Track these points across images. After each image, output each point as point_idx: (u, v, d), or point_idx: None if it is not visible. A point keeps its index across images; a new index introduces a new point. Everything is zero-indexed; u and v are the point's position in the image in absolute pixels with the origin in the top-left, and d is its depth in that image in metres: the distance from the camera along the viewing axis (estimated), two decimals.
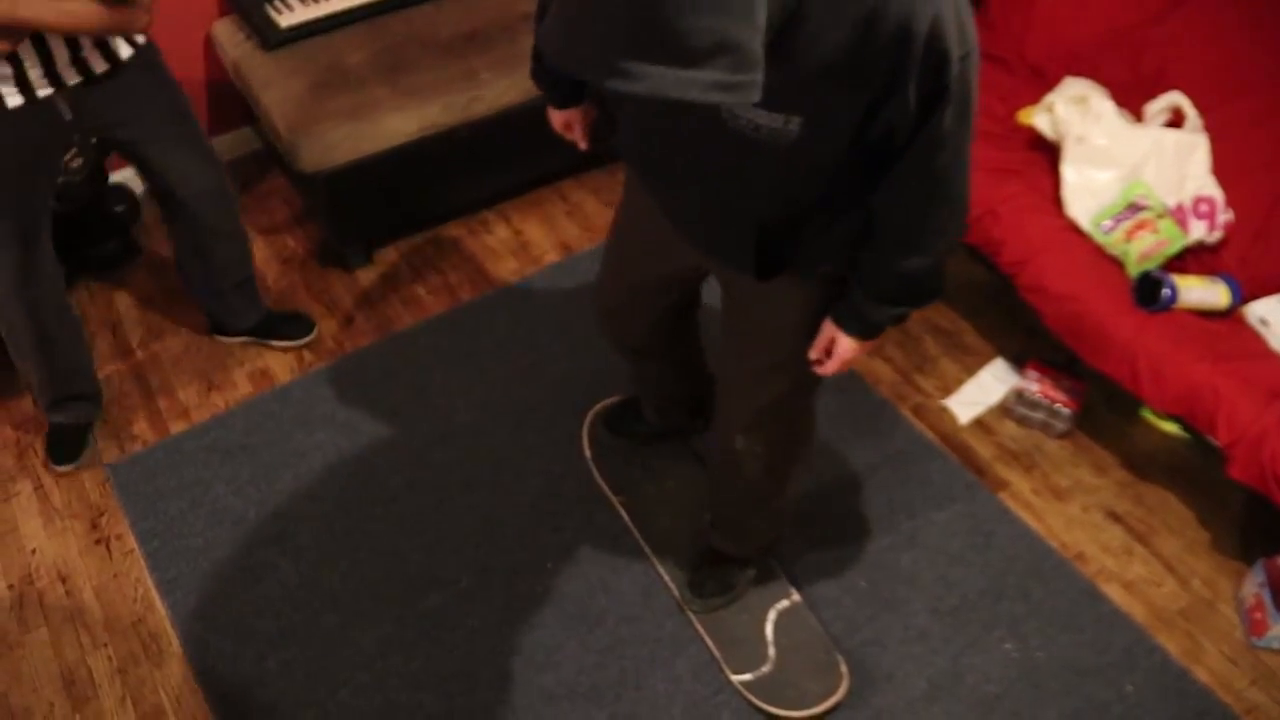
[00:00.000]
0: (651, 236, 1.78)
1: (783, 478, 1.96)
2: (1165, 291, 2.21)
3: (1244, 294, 2.25)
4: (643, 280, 1.92)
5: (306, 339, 2.76)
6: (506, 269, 2.96)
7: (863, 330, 1.58)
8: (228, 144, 3.33)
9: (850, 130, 1.31)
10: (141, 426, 2.59)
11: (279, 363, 2.73)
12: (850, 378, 2.63)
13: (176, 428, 2.59)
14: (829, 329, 1.62)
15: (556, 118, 1.92)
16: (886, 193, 1.40)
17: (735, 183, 1.48)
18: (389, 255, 3.02)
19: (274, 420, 2.59)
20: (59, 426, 2.53)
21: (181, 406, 2.64)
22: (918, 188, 1.38)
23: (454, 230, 3.09)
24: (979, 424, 2.56)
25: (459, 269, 2.97)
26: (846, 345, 1.60)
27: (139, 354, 2.76)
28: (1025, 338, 2.69)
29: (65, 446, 2.52)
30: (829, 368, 1.65)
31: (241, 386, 2.68)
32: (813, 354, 1.66)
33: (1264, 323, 2.19)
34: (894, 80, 1.23)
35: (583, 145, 1.95)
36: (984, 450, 2.50)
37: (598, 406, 2.55)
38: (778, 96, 1.24)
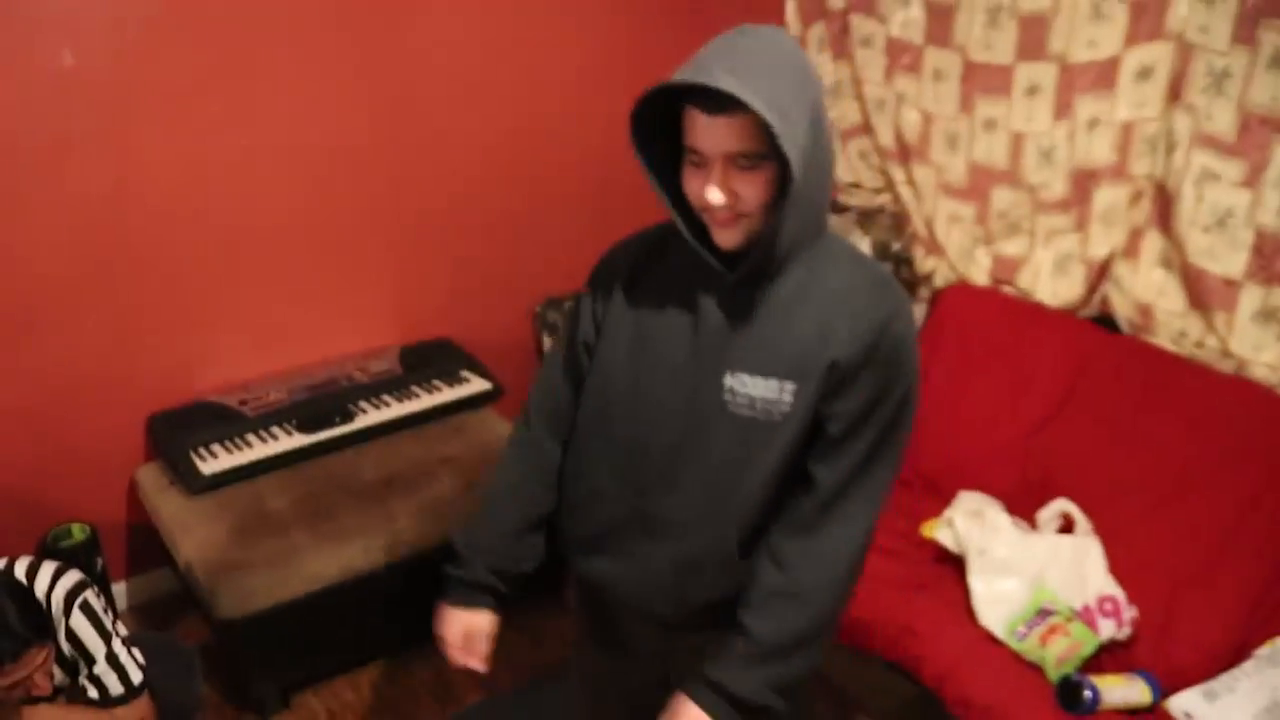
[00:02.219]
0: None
1: None
2: (1087, 694, 2.19)
3: (1163, 687, 2.24)
4: None
5: None
6: (427, 711, 2.86)
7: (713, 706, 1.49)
8: (145, 585, 3.32)
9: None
10: None
11: None
12: None
13: None
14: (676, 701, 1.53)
15: (457, 624, 1.79)
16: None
17: (734, 473, 1.51)
18: (307, 700, 2.92)
19: None
20: None
21: None
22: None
23: (374, 672, 3.01)
24: None
25: (379, 713, 2.86)
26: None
27: None
28: None
29: None
30: None
31: None
32: None
33: (1188, 717, 2.16)
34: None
35: (482, 667, 1.83)
36: None
37: None
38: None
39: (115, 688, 2.16)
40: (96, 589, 2.20)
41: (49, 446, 3.01)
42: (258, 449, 2.98)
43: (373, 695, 2.94)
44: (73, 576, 2.17)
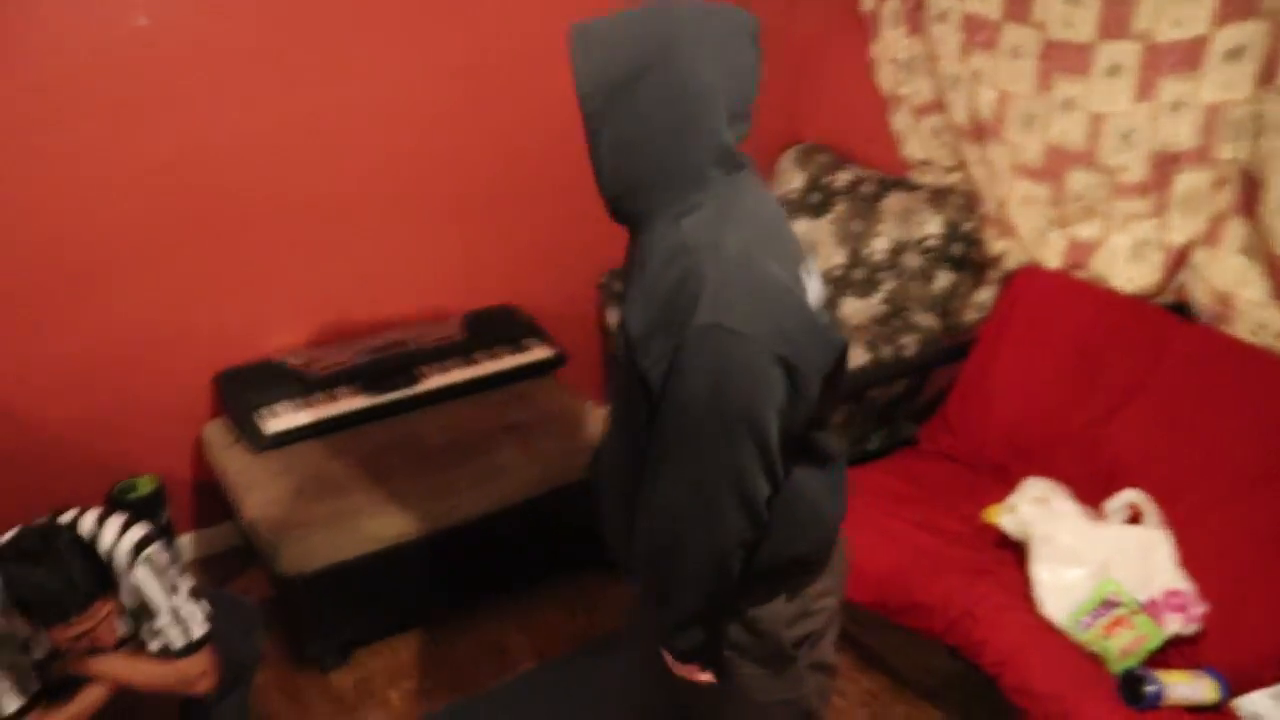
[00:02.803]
0: None
1: None
2: (1151, 689, 2.15)
3: (1231, 686, 2.20)
4: None
5: None
6: (484, 673, 2.89)
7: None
8: (208, 538, 3.39)
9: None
10: None
11: None
12: None
13: None
14: None
15: None
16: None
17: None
18: (364, 658, 2.96)
19: None
20: None
21: None
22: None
23: (429, 635, 3.04)
24: None
25: (432, 674, 2.90)
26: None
27: None
28: None
29: None
30: None
31: None
32: None
33: (1258, 719, 2.12)
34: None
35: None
36: None
37: None
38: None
39: (177, 641, 2.20)
40: (163, 542, 2.23)
41: (120, 399, 3.07)
42: (322, 410, 3.02)
43: (429, 656, 2.97)
44: (140, 529, 2.20)
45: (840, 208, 3.54)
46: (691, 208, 1.43)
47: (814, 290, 1.53)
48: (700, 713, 1.77)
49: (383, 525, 2.74)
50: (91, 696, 2.19)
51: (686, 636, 1.57)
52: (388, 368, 3.15)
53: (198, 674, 2.25)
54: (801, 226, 3.62)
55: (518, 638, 3.03)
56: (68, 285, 2.88)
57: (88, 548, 2.03)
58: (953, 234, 3.29)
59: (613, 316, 3.58)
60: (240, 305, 3.16)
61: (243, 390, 3.08)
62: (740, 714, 1.71)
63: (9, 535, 2.02)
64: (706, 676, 1.63)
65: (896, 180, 3.53)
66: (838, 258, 3.51)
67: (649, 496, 1.47)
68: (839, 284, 3.51)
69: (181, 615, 2.21)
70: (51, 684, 2.21)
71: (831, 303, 3.49)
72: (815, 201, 3.61)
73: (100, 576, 2.00)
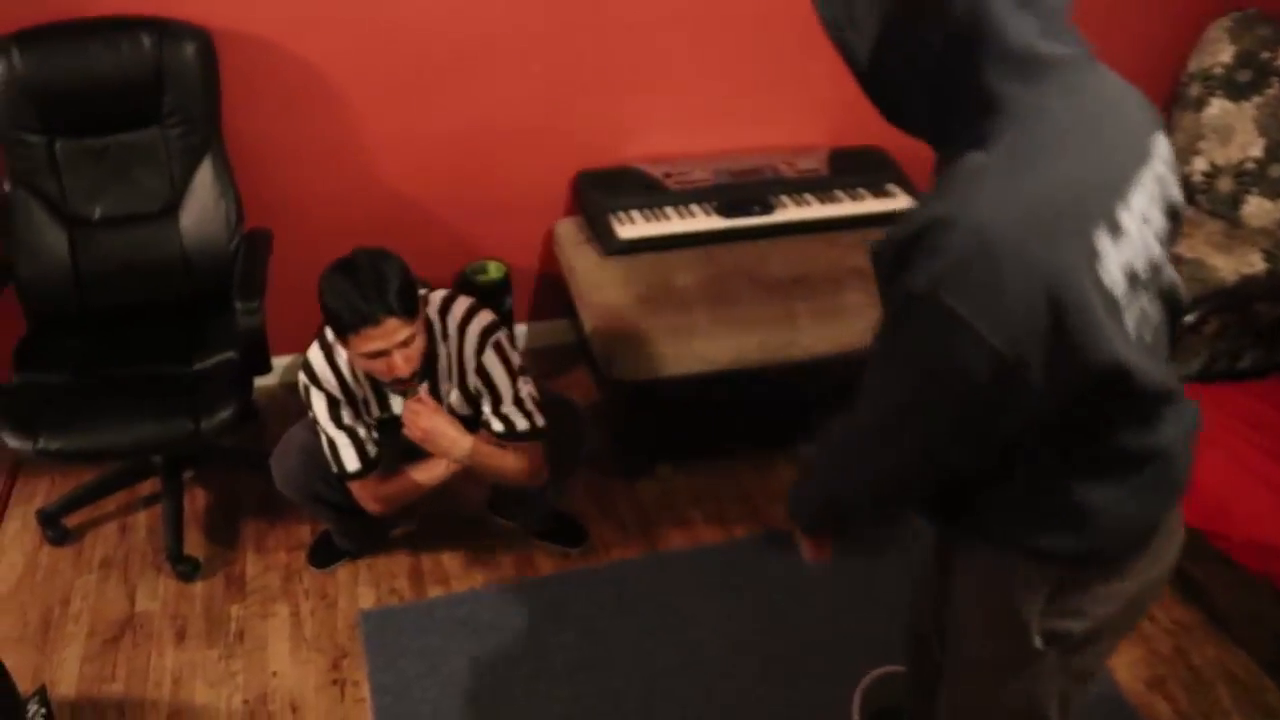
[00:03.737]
0: None
1: None
2: None
3: None
4: None
5: (574, 550, 2.75)
6: (778, 515, 2.87)
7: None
8: (542, 331, 3.51)
9: None
10: (401, 582, 2.61)
11: (544, 554, 2.72)
12: (1123, 713, 2.33)
13: (434, 592, 2.59)
14: None
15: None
16: None
17: None
18: (671, 474, 3.00)
19: (527, 609, 2.55)
20: (328, 538, 2.67)
21: (443, 572, 2.65)
22: None
23: (739, 463, 3.04)
24: None
25: (737, 503, 2.90)
26: None
27: (419, 514, 2.82)
28: None
29: (323, 554, 2.68)
30: None
31: (504, 568, 2.67)
32: None
33: None
34: None
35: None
36: None
37: (870, 677, 2.32)
38: None
39: (521, 424, 2.26)
40: (507, 331, 2.28)
41: (483, 185, 3.17)
42: (675, 223, 3.00)
43: (733, 484, 2.97)
44: (487, 315, 2.26)
45: (1273, 91, 3.11)
46: (976, 140, 1.12)
47: (1125, 253, 1.15)
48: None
49: (718, 348, 2.72)
50: (429, 473, 2.31)
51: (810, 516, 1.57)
52: (746, 192, 3.08)
53: (538, 463, 2.32)
54: (1213, 110, 3.22)
55: None
56: (455, 71, 2.96)
57: (410, 278, 2.03)
58: None
59: None
60: (608, 109, 3.15)
61: (600, 192, 3.10)
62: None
63: None
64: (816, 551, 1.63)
65: None
66: (1254, 149, 3.11)
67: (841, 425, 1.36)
68: (1248, 179, 3.11)
69: (525, 401, 2.28)
70: (395, 451, 2.35)
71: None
72: (1243, 81, 3.18)
73: (406, 300, 2.00)
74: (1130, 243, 1.15)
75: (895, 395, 1.21)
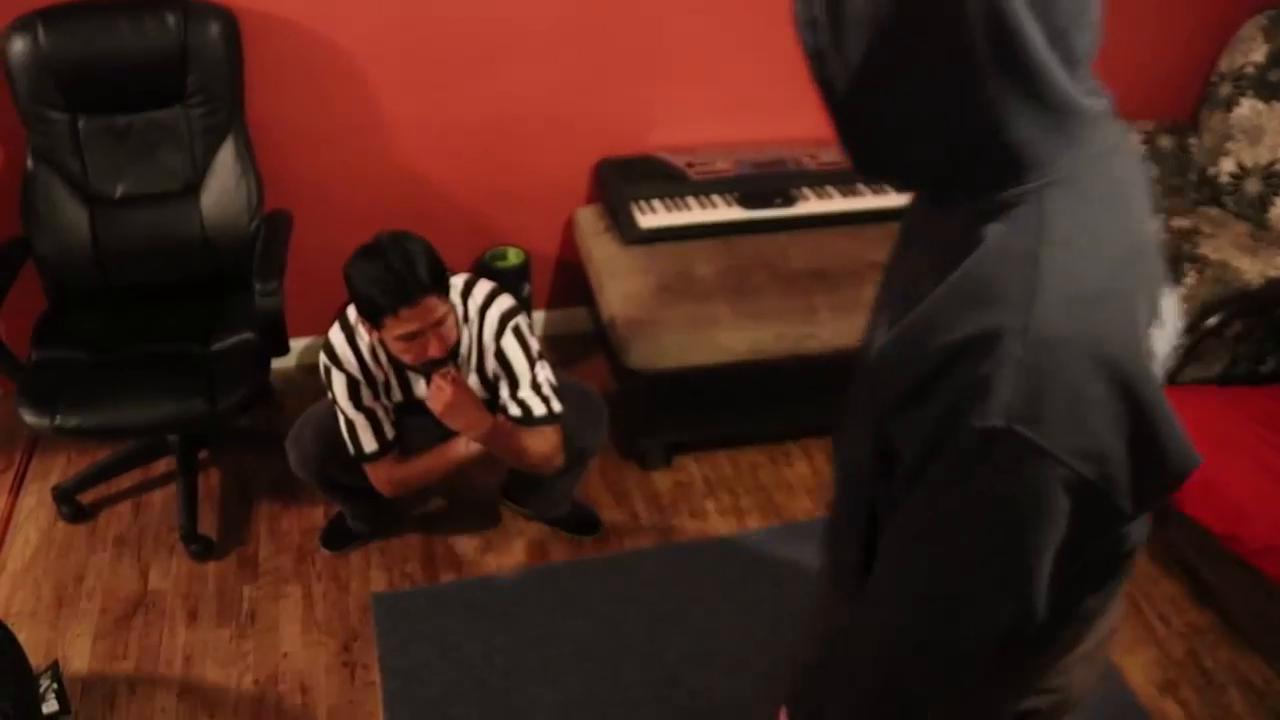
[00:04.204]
0: None
1: None
2: None
3: None
4: None
5: (588, 538, 2.74)
6: (800, 506, 2.85)
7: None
8: (560, 319, 3.50)
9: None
10: (414, 566, 2.61)
11: (558, 541, 2.71)
12: (1135, 717, 2.31)
13: (446, 576, 2.59)
14: None
15: None
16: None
17: None
18: (687, 464, 2.99)
19: (539, 596, 2.54)
20: (341, 520, 2.66)
21: (456, 557, 2.65)
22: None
23: (755, 455, 3.03)
24: None
25: (752, 495, 2.89)
26: None
27: (435, 499, 2.82)
28: None
29: (336, 537, 2.68)
30: None
31: (516, 554, 2.67)
32: None
33: None
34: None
35: None
36: None
37: None
38: None
39: (539, 408, 2.25)
40: (526, 316, 2.28)
41: (505, 172, 3.16)
42: (696, 213, 2.99)
43: (750, 475, 2.96)
44: (507, 300, 2.26)
45: None
46: (995, 205, 0.92)
47: (1160, 345, 1.00)
48: None
49: (737, 338, 2.71)
50: (447, 455, 2.31)
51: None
52: (768, 184, 3.07)
53: (554, 448, 2.32)
54: (1243, 110, 3.18)
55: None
56: (479, 56, 2.95)
57: (436, 256, 2.03)
58: None
59: None
60: (630, 97, 3.14)
61: (621, 180, 3.09)
62: None
63: None
64: None
65: None
66: None
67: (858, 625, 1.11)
68: (1277, 181, 3.08)
69: (542, 387, 2.27)
70: (412, 433, 2.35)
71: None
72: (1275, 80, 3.13)
73: (438, 276, 2.00)
74: (1164, 334, 1.01)
75: (957, 560, 0.96)
